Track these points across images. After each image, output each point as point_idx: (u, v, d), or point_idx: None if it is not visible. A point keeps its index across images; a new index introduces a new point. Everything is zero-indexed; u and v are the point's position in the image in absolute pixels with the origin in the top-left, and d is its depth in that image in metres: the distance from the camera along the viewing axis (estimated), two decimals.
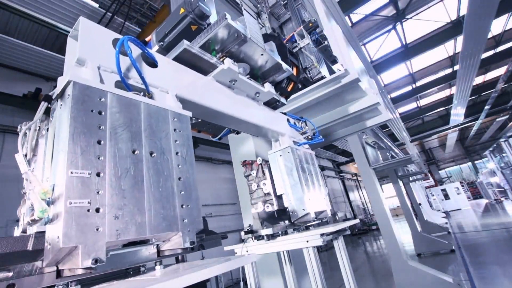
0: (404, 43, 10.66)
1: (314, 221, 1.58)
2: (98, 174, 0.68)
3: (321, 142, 1.96)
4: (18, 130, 0.84)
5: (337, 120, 2.42)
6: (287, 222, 1.62)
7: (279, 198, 1.63)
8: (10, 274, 0.61)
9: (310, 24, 2.70)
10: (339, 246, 1.99)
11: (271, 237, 1.57)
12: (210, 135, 1.74)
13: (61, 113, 0.75)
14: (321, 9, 2.33)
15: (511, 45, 11.37)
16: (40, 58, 5.80)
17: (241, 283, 2.05)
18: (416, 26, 10.51)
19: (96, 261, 0.60)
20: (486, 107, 14.79)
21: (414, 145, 11.10)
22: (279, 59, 1.64)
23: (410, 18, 9.67)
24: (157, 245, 0.85)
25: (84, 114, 0.72)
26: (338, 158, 20.76)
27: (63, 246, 0.58)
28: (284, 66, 1.67)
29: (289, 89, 2.01)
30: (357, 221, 2.64)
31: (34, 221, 0.65)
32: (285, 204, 1.58)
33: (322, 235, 1.67)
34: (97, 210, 0.65)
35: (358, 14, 9.30)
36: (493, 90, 13.11)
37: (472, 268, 5.74)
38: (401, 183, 9.80)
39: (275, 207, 1.61)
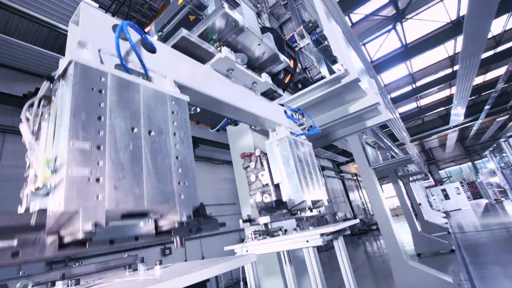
0: (404, 43, 10.66)
1: (310, 209, 1.59)
2: (98, 147, 0.71)
3: (318, 133, 1.98)
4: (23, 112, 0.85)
5: (337, 120, 2.42)
6: (284, 211, 1.63)
7: (277, 188, 1.64)
8: (15, 243, 0.62)
9: (310, 24, 2.70)
10: (339, 246, 1.99)
11: (270, 228, 1.57)
12: (209, 126, 1.78)
13: (63, 91, 0.78)
14: (321, 9, 2.33)
15: (511, 45, 11.37)
16: (40, 58, 5.80)
17: (241, 283, 2.06)
18: (416, 26, 10.51)
19: (96, 225, 0.62)
20: (486, 107, 14.78)
21: (414, 145, 11.10)
22: (276, 50, 1.67)
23: (410, 18, 9.67)
24: (155, 220, 0.85)
25: (85, 92, 0.74)
26: (338, 158, 20.76)
27: (65, 210, 0.60)
28: (281, 57, 1.70)
29: (286, 81, 2.03)
30: (357, 221, 2.64)
31: (37, 189, 0.67)
32: (282, 192, 1.60)
33: (322, 235, 1.67)
34: (97, 180, 0.68)
35: (358, 14, 9.30)
36: (493, 90, 13.11)
37: (472, 268, 5.74)
38: (401, 183, 9.80)
39: (273, 198, 1.62)
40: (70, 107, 0.69)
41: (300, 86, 2.39)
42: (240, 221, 1.64)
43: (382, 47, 11.15)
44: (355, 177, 25.93)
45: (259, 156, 1.72)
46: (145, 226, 0.83)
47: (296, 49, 2.64)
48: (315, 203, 1.64)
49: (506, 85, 14.50)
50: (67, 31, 0.97)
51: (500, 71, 13.35)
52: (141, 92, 0.90)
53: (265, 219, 1.46)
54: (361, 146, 5.95)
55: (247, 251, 1.97)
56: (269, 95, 1.80)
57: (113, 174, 0.71)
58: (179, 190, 0.86)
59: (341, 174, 23.25)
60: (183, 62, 1.25)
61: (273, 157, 1.67)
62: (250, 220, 1.54)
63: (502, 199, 21.28)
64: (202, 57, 1.35)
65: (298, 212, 1.64)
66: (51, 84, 0.85)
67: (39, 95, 0.84)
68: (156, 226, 0.85)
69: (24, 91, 6.13)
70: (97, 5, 5.74)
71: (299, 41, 2.64)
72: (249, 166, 1.75)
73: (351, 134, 2.86)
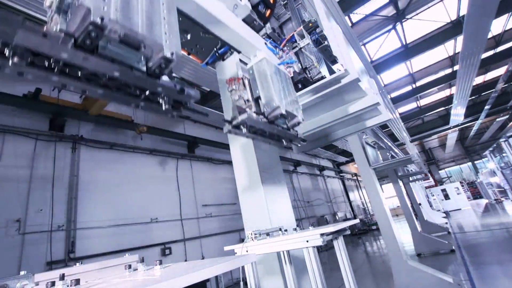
0: (404, 43, 10.65)
1: (284, 117, 1.71)
2: None
3: (293, 63, 2.11)
4: None
5: (337, 120, 2.42)
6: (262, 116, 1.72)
7: (256, 103, 1.77)
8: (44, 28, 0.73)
9: (310, 24, 2.71)
10: (339, 246, 1.99)
11: (249, 128, 1.62)
12: (199, 60, 1.95)
13: None
14: (321, 9, 2.33)
15: (511, 45, 11.36)
16: None
17: (241, 283, 2.05)
18: (416, 26, 10.50)
19: (102, 19, 0.76)
20: (486, 107, 14.78)
21: (414, 145, 11.10)
22: None
23: (410, 18, 9.66)
24: (146, 59, 0.97)
25: None
26: (338, 158, 20.75)
27: (80, 4, 0.75)
28: None
29: (266, 15, 2.17)
30: (357, 221, 2.64)
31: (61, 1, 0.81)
32: (260, 104, 1.73)
33: (322, 235, 1.67)
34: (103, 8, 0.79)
35: (358, 14, 9.30)
36: (493, 90, 13.11)
37: (472, 268, 5.74)
38: (401, 183, 9.80)
39: (253, 109, 1.73)
40: None
41: (300, 86, 2.39)
42: (226, 124, 1.67)
43: (382, 47, 11.15)
44: (355, 177, 25.93)
45: (242, 78, 1.87)
46: (139, 63, 0.95)
47: (296, 49, 2.64)
48: (290, 116, 1.76)
49: (506, 85, 14.49)
50: None
51: (500, 71, 13.35)
52: None
53: (243, 115, 1.53)
54: (361, 146, 5.95)
55: (247, 251, 1.97)
56: (250, 23, 1.93)
57: (114, 3, 0.84)
58: (165, 36, 0.99)
59: (341, 174, 23.25)
60: None
61: (253, 76, 1.81)
62: (229, 121, 1.58)
63: (502, 199, 21.28)
64: None
65: (275, 122, 1.74)
66: None
67: None
68: (147, 67, 0.97)
69: (24, 91, 6.12)
70: None
71: (299, 41, 2.63)
72: (233, 89, 1.88)
73: (351, 134, 2.86)
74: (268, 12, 2.18)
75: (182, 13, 1.46)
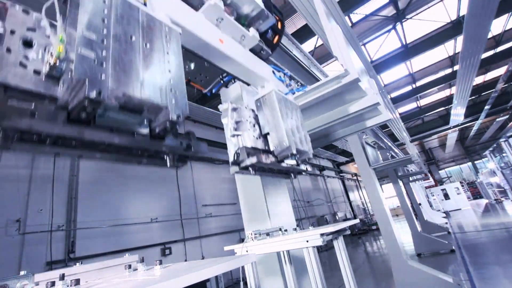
0: (404, 43, 10.65)
1: (296, 156, 1.63)
2: (102, 41, 0.78)
3: (303, 90, 2.05)
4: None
5: (337, 120, 2.42)
6: (271, 155, 1.66)
7: (265, 138, 1.71)
8: (32, 105, 0.69)
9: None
10: (339, 246, 1.99)
11: (258, 169, 1.58)
12: (201, 88, 1.81)
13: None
14: (321, 9, 2.33)
15: (511, 45, 11.36)
16: None
17: (241, 283, 2.05)
18: (416, 26, 10.50)
19: (99, 93, 0.69)
20: (486, 107, 14.78)
21: (414, 145, 11.10)
22: (263, 7, 1.71)
23: (410, 18, 9.66)
24: (150, 121, 0.91)
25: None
26: (338, 158, 20.75)
27: (74, 76, 0.69)
28: (268, 13, 1.74)
29: (274, 41, 2.08)
30: (357, 221, 2.64)
31: (53, 68, 0.74)
32: (269, 142, 1.66)
33: (322, 235, 1.67)
34: (101, 64, 0.75)
35: (358, 14, 9.29)
36: (493, 90, 13.10)
37: (472, 268, 5.74)
38: (401, 183, 9.79)
39: (261, 145, 1.68)
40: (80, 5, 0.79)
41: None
42: (231, 164, 1.64)
43: (382, 47, 11.14)
44: (355, 177, 25.92)
45: (247, 119, 1.81)
46: (141, 127, 0.90)
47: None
48: (301, 154, 1.70)
49: (506, 85, 14.49)
50: None
51: (500, 71, 13.35)
52: (140, 13, 0.97)
53: (252, 159, 1.49)
54: (361, 146, 5.95)
55: (247, 251, 1.97)
56: (258, 53, 1.86)
57: (114, 66, 0.79)
58: (170, 95, 0.93)
59: (341, 174, 23.25)
60: (177, 3, 1.33)
61: (262, 111, 1.75)
62: (238, 163, 1.55)
63: (502, 199, 21.28)
64: (194, 5, 1.43)
65: (285, 161, 1.68)
66: None
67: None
68: (150, 129, 0.92)
69: None
70: None
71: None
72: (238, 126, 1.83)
73: (351, 134, 2.86)
74: (276, 38, 2.08)
75: (186, 49, 1.39)
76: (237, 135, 1.64)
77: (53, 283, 1.15)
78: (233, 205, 9.98)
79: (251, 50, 1.81)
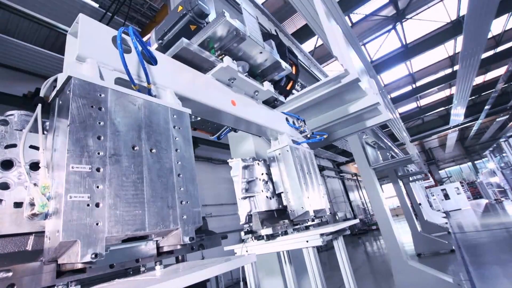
0: (404, 43, 10.65)
1: (313, 219, 1.57)
2: (98, 169, 0.69)
3: (319, 141, 1.96)
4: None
5: (337, 120, 2.42)
6: (286, 221, 1.61)
7: (278, 197, 1.62)
8: (10, 274, 0.60)
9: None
10: (339, 246, 1.99)
11: (271, 237, 1.56)
12: (209, 134, 1.73)
13: (61, 109, 0.75)
14: (321, 9, 2.33)
15: (511, 45, 11.36)
16: (40, 58, 5.79)
17: (241, 283, 2.05)
18: (416, 26, 10.50)
19: (95, 255, 0.61)
20: (486, 107, 14.78)
21: (414, 145, 11.10)
22: (278, 58, 1.65)
23: (410, 18, 9.66)
24: (157, 241, 0.85)
25: (84, 109, 0.72)
26: (338, 158, 20.75)
27: (63, 240, 0.58)
28: (283, 64, 1.68)
29: (288, 88, 2.01)
30: (357, 221, 2.64)
31: (34, 215, 0.65)
32: (284, 203, 1.58)
33: (322, 235, 1.67)
34: (97, 205, 0.66)
35: (358, 14, 9.30)
36: (493, 90, 13.10)
37: (472, 268, 5.74)
38: (401, 183, 9.78)
39: (275, 206, 1.60)
40: (69, 126, 0.67)
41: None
42: (242, 233, 1.61)
43: (382, 47, 11.14)
44: (355, 177, 25.92)
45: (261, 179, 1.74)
46: (147, 247, 0.82)
47: None
48: (318, 212, 1.64)
49: (506, 85, 14.49)
50: (67, 31, 0.96)
51: (500, 71, 13.35)
52: (142, 107, 0.88)
53: (267, 231, 1.43)
54: (361, 146, 5.95)
55: (247, 251, 1.97)
56: (271, 103, 1.79)
57: (113, 199, 0.69)
58: (181, 211, 0.84)
59: (341, 174, 23.24)
60: (184, 72, 1.24)
61: (275, 166, 1.67)
62: (252, 232, 1.52)
63: (502, 199, 21.27)
64: (203, 66, 1.35)
65: (300, 223, 1.63)
66: (43, 106, 0.82)
67: (28, 127, 0.79)
68: (158, 246, 0.85)
69: (24, 91, 6.11)
70: (97, 5, 5.74)
71: None
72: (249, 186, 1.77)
73: (351, 134, 2.86)
74: (290, 84, 2.01)
75: (195, 115, 1.33)
76: (249, 197, 1.55)
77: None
78: (233, 205, 9.98)
79: (264, 101, 1.74)
